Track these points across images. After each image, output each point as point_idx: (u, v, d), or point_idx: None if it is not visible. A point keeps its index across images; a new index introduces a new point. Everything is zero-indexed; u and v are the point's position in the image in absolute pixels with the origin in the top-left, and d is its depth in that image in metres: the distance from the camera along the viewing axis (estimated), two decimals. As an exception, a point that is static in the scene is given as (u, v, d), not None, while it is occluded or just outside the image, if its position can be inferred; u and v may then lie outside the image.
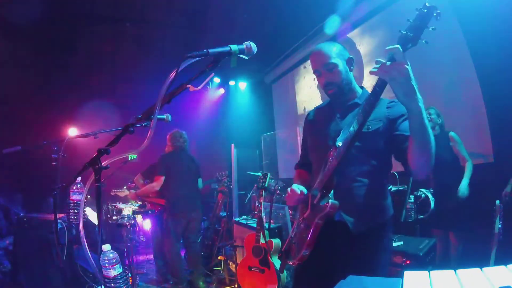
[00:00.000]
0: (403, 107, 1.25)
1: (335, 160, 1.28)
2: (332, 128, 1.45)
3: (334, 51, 1.43)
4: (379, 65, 1.07)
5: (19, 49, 4.57)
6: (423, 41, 1.06)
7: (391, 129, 1.35)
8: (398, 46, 1.05)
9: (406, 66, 1.04)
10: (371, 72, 1.09)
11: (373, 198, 1.37)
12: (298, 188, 1.41)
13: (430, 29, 1.05)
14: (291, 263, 1.48)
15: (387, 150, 1.37)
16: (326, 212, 1.26)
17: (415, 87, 1.07)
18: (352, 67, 1.47)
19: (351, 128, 1.23)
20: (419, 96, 1.08)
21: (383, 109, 1.37)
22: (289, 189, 1.44)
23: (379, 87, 1.15)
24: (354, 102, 1.45)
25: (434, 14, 1.03)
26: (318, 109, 1.64)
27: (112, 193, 4.08)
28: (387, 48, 1.05)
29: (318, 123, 1.56)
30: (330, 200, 1.26)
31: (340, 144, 1.29)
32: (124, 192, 4.06)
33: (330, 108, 1.54)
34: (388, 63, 1.06)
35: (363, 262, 1.30)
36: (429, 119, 3.01)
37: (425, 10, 1.04)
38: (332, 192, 1.29)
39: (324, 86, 1.46)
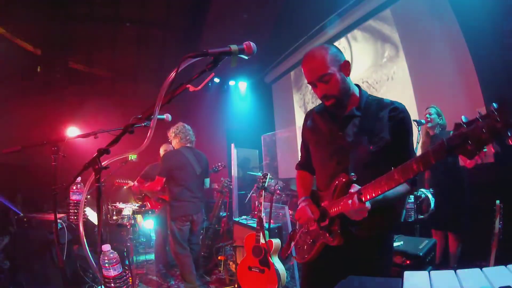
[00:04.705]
0: (405, 122, 1.31)
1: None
2: (336, 141, 1.39)
3: (328, 59, 1.30)
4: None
5: (19, 49, 4.57)
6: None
7: (393, 147, 1.30)
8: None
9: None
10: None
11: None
12: (309, 210, 1.41)
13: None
14: (295, 258, 1.53)
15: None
16: (333, 245, 1.30)
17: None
18: (349, 72, 1.36)
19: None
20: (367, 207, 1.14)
21: (385, 121, 1.31)
22: (299, 209, 1.44)
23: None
24: (353, 114, 1.37)
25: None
26: (316, 113, 1.54)
27: (116, 184, 4.02)
28: None
29: (319, 133, 1.49)
30: (338, 238, 1.29)
31: (354, 178, 1.25)
32: (128, 183, 4.00)
33: (328, 115, 1.47)
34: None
35: (366, 264, 1.31)
36: (429, 119, 3.01)
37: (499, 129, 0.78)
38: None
39: (322, 98, 1.38)
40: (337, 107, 1.38)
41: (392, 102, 1.35)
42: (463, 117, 0.88)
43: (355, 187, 1.18)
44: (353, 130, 1.35)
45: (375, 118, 1.32)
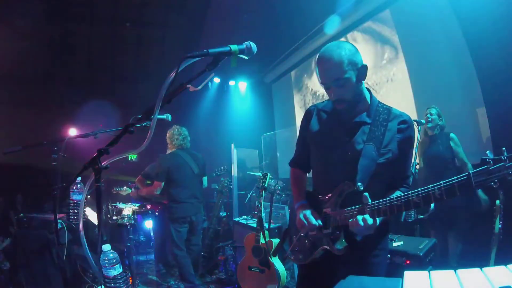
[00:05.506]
0: (411, 138, 1.32)
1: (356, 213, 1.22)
2: (343, 146, 1.34)
3: (346, 62, 1.23)
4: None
5: (19, 49, 4.57)
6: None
7: (396, 160, 1.30)
8: None
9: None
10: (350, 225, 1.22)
11: None
12: (313, 219, 1.35)
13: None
14: (292, 259, 1.51)
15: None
16: (338, 255, 1.27)
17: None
18: (365, 76, 1.30)
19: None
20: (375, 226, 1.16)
21: (393, 132, 1.30)
22: (301, 216, 1.38)
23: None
24: (363, 121, 1.33)
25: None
26: (321, 112, 1.47)
27: (114, 192, 4.04)
28: None
29: (323, 134, 1.43)
30: (344, 249, 1.27)
31: (360, 187, 1.23)
32: (126, 191, 4.02)
33: (335, 118, 1.41)
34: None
35: (362, 263, 1.31)
36: (430, 119, 3.01)
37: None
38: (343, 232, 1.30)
39: (333, 102, 1.34)
40: (347, 112, 1.35)
41: (401, 114, 1.34)
42: (488, 152, 0.93)
43: (366, 200, 1.18)
44: (362, 138, 1.31)
45: (384, 127, 1.30)
